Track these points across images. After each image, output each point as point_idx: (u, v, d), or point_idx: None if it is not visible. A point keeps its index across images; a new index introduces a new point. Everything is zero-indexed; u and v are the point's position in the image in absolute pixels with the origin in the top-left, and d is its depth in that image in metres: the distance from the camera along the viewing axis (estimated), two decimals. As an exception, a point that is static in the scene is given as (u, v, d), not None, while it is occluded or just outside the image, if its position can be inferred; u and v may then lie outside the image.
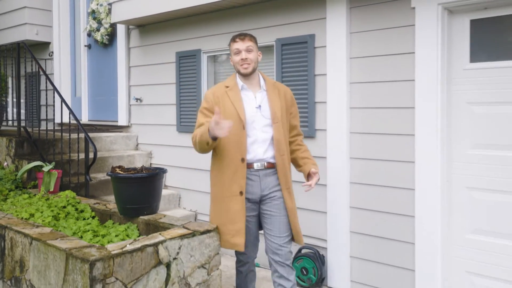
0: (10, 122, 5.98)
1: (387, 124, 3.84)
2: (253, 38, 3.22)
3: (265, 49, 4.57)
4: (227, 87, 3.20)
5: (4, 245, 3.21)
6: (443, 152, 3.58)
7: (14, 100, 6.52)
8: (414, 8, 3.64)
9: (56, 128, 5.04)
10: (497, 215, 3.42)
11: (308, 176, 3.21)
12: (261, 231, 3.30)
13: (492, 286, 3.45)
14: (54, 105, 5.30)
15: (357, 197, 4.00)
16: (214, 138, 2.96)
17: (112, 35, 6.46)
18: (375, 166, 3.90)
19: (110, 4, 6.09)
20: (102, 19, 6.42)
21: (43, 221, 3.36)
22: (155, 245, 2.85)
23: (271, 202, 3.18)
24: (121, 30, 6.17)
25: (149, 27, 5.82)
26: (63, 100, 4.72)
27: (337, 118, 4.07)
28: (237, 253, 3.33)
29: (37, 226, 3.15)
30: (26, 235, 2.97)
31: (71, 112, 4.61)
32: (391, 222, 3.81)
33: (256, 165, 3.15)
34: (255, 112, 3.16)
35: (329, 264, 4.12)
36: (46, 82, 5.27)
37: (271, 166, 3.19)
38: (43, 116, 6.45)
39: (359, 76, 3.99)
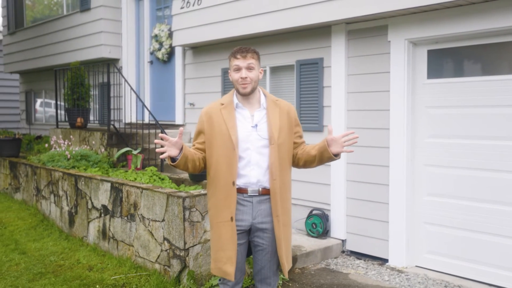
0: (87, 122, 7.86)
1: (372, 121, 5.43)
2: (255, 55, 2.93)
3: (288, 67, 6.28)
4: (222, 104, 2.97)
5: (122, 195, 5.01)
6: (408, 140, 5.15)
7: (93, 104, 8.41)
8: (390, 41, 5.23)
9: (125, 126, 6.91)
10: (444, 183, 4.97)
11: (329, 141, 2.96)
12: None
13: (440, 231, 5.00)
14: (124, 108, 7.15)
15: (351, 173, 5.62)
16: (172, 159, 2.88)
17: (170, 54, 8.24)
18: (364, 151, 5.48)
19: (169, 30, 7.90)
20: (163, 41, 8.23)
21: (144, 181, 5.19)
22: (217, 193, 4.59)
23: (263, 234, 2.95)
24: (178, 50, 7.94)
25: (201, 48, 7.57)
26: (144, 105, 6.56)
27: (338, 117, 5.67)
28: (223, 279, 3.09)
29: (142, 184, 4.96)
30: (138, 187, 4.77)
31: (150, 113, 6.43)
32: (373, 189, 5.41)
33: (250, 190, 2.90)
34: (250, 132, 2.91)
35: (331, 221, 5.77)
36: (116, 90, 7.09)
37: (267, 192, 2.91)
38: (111, 116, 8.29)
39: (353, 87, 5.58)
